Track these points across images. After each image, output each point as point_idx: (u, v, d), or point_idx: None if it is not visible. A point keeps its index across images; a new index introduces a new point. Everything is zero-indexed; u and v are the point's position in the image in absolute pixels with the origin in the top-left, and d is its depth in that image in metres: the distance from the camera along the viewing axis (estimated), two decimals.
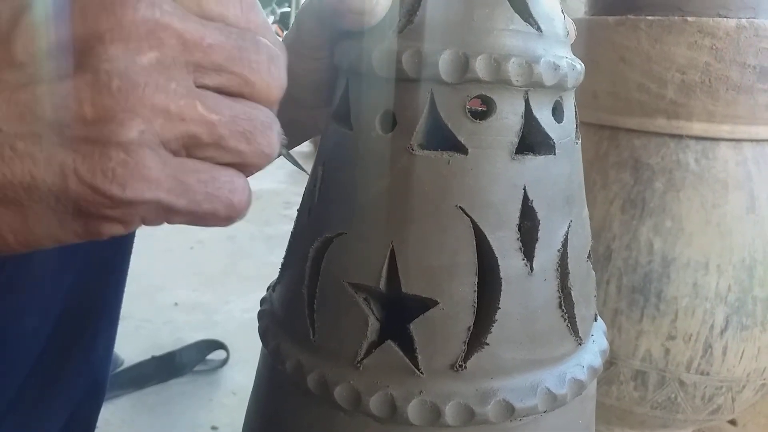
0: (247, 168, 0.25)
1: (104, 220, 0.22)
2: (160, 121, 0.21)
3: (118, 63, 0.20)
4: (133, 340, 1.31)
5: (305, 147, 3.72)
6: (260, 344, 0.38)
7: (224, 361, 1.26)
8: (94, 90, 0.20)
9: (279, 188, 2.78)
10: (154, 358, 1.22)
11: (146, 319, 1.44)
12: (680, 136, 0.70)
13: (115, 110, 0.20)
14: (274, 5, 7.08)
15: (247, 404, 0.41)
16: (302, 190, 0.37)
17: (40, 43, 0.20)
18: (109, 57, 0.20)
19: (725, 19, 0.66)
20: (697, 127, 0.69)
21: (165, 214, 0.23)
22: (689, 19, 0.66)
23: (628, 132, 0.73)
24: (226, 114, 0.23)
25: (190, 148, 0.22)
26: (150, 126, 0.21)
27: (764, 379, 0.73)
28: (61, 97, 0.20)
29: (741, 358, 0.70)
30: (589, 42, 0.72)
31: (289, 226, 0.36)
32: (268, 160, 0.25)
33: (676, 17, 0.67)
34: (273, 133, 0.25)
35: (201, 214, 0.23)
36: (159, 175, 0.21)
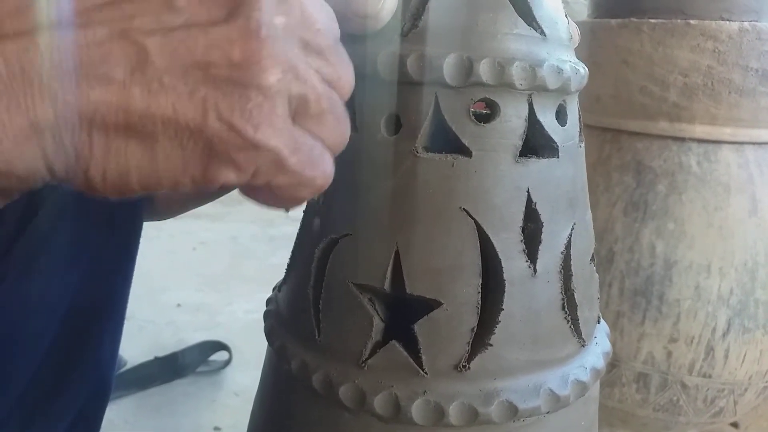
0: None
1: (226, 164, 0.23)
2: (290, 75, 0.23)
3: (266, 15, 0.22)
4: (136, 341, 1.32)
5: None
6: (263, 345, 0.39)
7: (227, 362, 1.26)
8: (244, 34, 0.22)
9: None
10: (157, 359, 1.22)
11: (149, 320, 1.44)
12: (682, 139, 0.70)
13: (261, 55, 0.22)
14: None
15: (249, 405, 0.41)
16: None
17: None
18: (260, 6, 0.22)
19: (728, 22, 0.66)
20: (700, 130, 0.69)
21: (276, 169, 0.24)
22: (692, 22, 0.67)
23: (631, 135, 0.73)
24: (327, 92, 0.25)
25: (298, 113, 0.24)
26: (285, 76, 0.22)
27: (766, 382, 0.73)
28: (214, 39, 0.22)
29: (743, 360, 0.70)
30: (591, 45, 0.73)
31: (292, 227, 0.36)
32: (340, 148, 0.27)
33: (678, 20, 0.68)
34: (347, 123, 0.26)
35: (304, 179, 0.25)
36: (283, 126, 0.23)
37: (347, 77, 0.26)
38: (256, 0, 0.22)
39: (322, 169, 0.25)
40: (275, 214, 2.39)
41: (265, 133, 0.22)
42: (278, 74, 0.22)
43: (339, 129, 0.26)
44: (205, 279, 1.71)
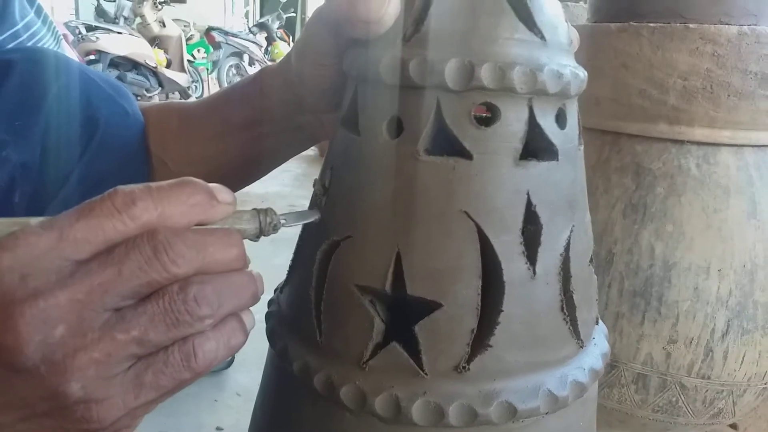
0: (194, 333, 0.27)
1: None
2: (92, 369, 0.25)
3: (35, 355, 0.24)
4: None
5: (310, 151, 3.73)
6: (265, 346, 0.39)
7: (229, 363, 1.26)
8: (32, 381, 0.25)
9: (284, 191, 2.79)
10: None
11: None
12: (682, 142, 0.71)
13: (54, 387, 0.25)
14: (280, 10, 7.11)
15: (251, 406, 0.42)
16: (307, 194, 0.37)
17: None
18: (26, 357, 0.24)
19: (727, 26, 0.67)
20: (699, 133, 0.70)
21: (150, 406, 0.27)
22: (691, 25, 0.67)
23: (630, 137, 0.73)
24: (143, 321, 0.26)
25: (135, 358, 0.26)
26: (86, 379, 0.25)
27: (765, 384, 0.74)
28: (18, 392, 0.25)
29: (742, 362, 0.70)
30: (591, 48, 0.73)
31: (295, 229, 0.37)
32: (208, 320, 0.27)
33: (678, 24, 0.68)
34: (189, 304, 0.26)
35: (173, 390, 0.27)
36: (118, 396, 0.26)
37: (162, 262, 0.26)
38: (21, 351, 0.24)
39: (187, 370, 0.27)
40: None
41: (110, 417, 0.25)
42: (77, 384, 0.25)
43: (182, 324, 0.26)
44: None
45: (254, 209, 0.31)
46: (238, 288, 0.28)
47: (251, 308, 0.30)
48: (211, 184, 0.28)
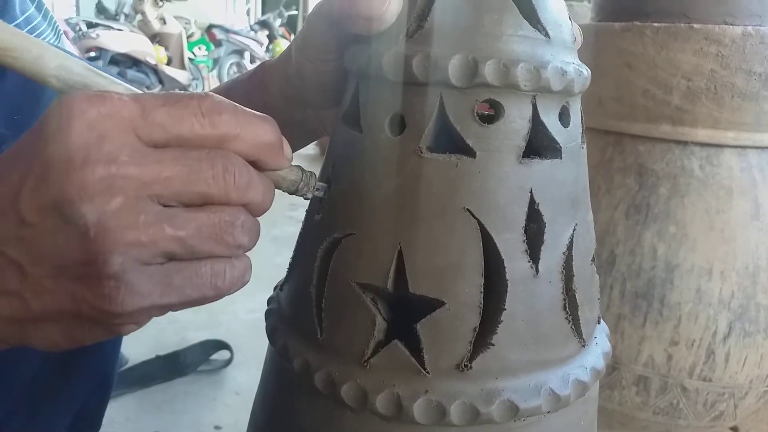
0: (225, 257, 0.28)
1: (119, 325, 0.28)
2: (135, 250, 0.25)
3: (90, 216, 0.25)
4: (138, 339, 1.32)
5: (311, 150, 3.73)
6: (264, 344, 0.39)
7: (228, 361, 1.26)
8: (78, 240, 0.25)
9: None
10: (158, 358, 1.22)
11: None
12: (685, 143, 0.70)
13: (96, 253, 0.25)
14: (281, 8, 7.12)
15: (250, 404, 0.42)
16: None
17: (39, 202, 0.25)
18: (82, 214, 0.25)
19: (731, 26, 0.66)
20: (702, 134, 0.69)
21: (166, 309, 0.28)
22: (695, 26, 0.67)
23: (633, 138, 0.73)
24: (192, 227, 0.27)
25: (170, 257, 0.27)
26: (127, 257, 0.25)
27: (767, 386, 0.73)
28: (59, 245, 0.25)
29: (743, 364, 0.70)
30: (595, 48, 0.73)
31: (295, 228, 0.37)
32: (242, 249, 0.29)
33: (682, 24, 0.68)
34: (237, 229, 0.28)
35: (193, 302, 0.28)
36: (147, 287, 0.26)
37: (222, 188, 0.27)
38: (77, 208, 0.24)
39: (210, 286, 0.28)
40: (278, 214, 2.39)
41: (131, 304, 0.26)
42: (119, 259, 0.25)
43: (223, 244, 0.27)
44: None
45: (299, 167, 0.32)
46: (258, 231, 0.30)
47: None
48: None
